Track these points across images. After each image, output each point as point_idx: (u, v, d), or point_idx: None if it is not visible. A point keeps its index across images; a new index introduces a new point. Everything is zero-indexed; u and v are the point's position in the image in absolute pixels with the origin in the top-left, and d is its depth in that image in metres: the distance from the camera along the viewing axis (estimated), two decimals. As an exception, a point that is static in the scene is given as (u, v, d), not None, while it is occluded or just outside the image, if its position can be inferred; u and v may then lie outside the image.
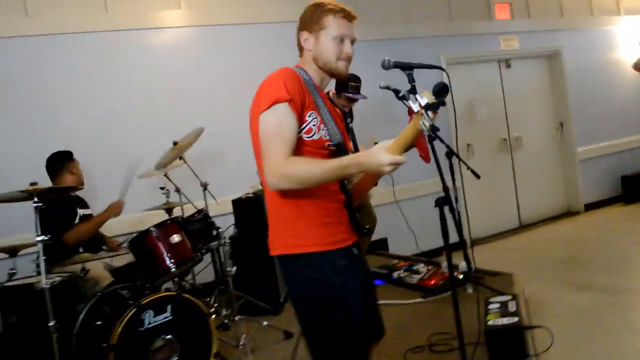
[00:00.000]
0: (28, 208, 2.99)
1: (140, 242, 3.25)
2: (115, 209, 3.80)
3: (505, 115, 7.13)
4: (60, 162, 3.91)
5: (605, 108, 7.72)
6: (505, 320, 3.03)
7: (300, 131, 1.90)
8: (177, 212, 4.21)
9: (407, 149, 1.90)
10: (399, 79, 2.06)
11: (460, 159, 4.37)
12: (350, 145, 2.11)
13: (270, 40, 5.34)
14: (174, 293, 3.06)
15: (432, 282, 4.39)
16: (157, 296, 2.97)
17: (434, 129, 1.89)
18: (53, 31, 4.57)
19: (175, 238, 3.29)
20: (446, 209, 2.08)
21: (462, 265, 4.32)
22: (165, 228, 3.30)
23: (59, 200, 3.62)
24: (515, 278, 4.42)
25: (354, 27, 2.06)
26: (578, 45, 7.53)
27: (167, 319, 2.99)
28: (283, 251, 1.93)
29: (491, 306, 3.30)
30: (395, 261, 5.16)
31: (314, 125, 1.93)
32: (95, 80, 4.72)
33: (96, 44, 4.75)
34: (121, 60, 4.83)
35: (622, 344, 3.46)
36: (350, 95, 4.26)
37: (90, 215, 3.89)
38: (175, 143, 4.02)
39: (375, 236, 5.60)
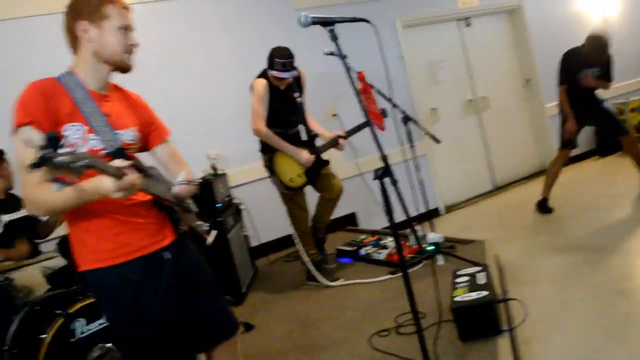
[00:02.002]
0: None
1: (68, 242, 2.92)
2: None
3: (469, 76, 6.86)
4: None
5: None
6: (474, 295, 2.77)
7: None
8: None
9: None
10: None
11: (417, 124, 4.13)
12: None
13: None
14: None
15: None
16: (87, 302, 2.66)
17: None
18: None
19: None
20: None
21: (432, 235, 4.09)
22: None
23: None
24: (488, 245, 4.19)
25: None
26: (539, -2, 7.25)
27: (102, 325, 2.69)
28: (81, 267, 1.84)
29: (459, 279, 3.04)
30: (363, 237, 4.90)
31: (76, 138, 1.73)
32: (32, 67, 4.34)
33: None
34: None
35: (602, 307, 3.24)
36: (275, 73, 3.96)
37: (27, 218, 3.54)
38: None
39: (342, 211, 5.35)
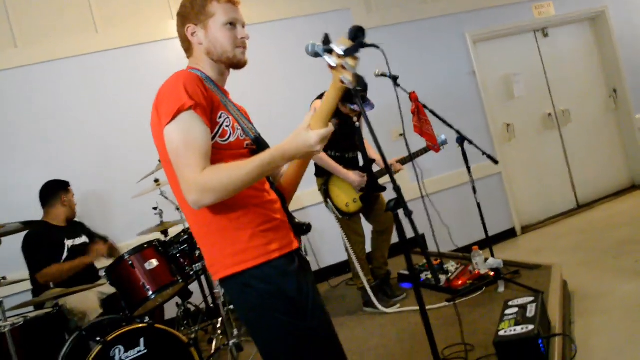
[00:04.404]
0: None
1: (115, 270, 3.05)
2: (98, 251, 3.65)
3: (548, 89, 6.52)
4: (53, 192, 3.82)
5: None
6: (519, 329, 2.59)
7: (214, 136, 1.66)
8: (174, 231, 3.97)
9: (331, 115, 1.68)
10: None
11: (472, 143, 3.95)
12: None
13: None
14: (145, 324, 2.82)
15: (460, 282, 3.97)
16: (125, 330, 2.75)
17: (358, 79, 1.60)
18: (43, 59, 4.51)
19: (153, 263, 3.06)
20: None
21: (491, 261, 3.89)
22: (140, 253, 3.08)
23: (44, 233, 3.51)
24: (556, 270, 3.91)
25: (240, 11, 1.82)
26: (624, 2, 6.79)
27: (140, 352, 2.76)
28: (225, 273, 1.70)
29: (508, 311, 2.86)
30: (426, 260, 4.74)
31: (227, 126, 1.70)
32: (92, 105, 4.63)
33: (88, 65, 4.66)
34: (111, 81, 4.73)
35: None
36: (355, 108, 3.86)
37: (86, 244, 3.75)
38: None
39: (408, 234, 5.21)
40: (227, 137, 1.68)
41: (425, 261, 4.75)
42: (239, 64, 1.81)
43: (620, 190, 6.80)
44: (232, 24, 1.77)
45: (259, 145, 1.76)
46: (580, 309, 3.57)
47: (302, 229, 1.90)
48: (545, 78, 6.52)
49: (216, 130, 1.66)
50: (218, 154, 1.65)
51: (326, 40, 1.64)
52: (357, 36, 1.60)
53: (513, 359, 2.52)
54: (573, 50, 6.74)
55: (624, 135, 6.86)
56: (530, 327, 2.58)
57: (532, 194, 6.33)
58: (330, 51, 1.60)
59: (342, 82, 1.57)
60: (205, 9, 1.76)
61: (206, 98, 1.64)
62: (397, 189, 1.92)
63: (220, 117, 1.69)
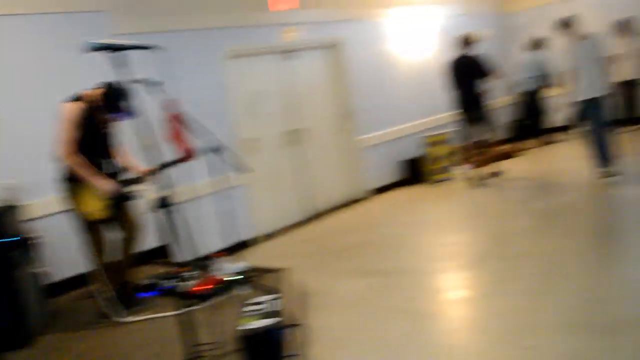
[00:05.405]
0: None
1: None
2: None
3: (291, 108, 7.12)
4: None
5: (385, 97, 8.15)
6: (263, 322, 2.86)
7: None
8: None
9: None
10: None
11: (226, 154, 4.17)
12: None
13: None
14: None
15: (203, 287, 4.13)
16: None
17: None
18: None
19: None
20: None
21: (236, 265, 4.15)
22: None
23: None
24: (292, 273, 4.34)
25: None
26: (357, 37, 7.80)
27: None
28: None
29: (248, 308, 3.12)
30: (169, 269, 4.80)
31: None
32: None
33: None
34: None
35: (390, 327, 3.53)
36: (115, 115, 3.89)
37: None
38: None
39: (150, 245, 5.20)
40: None
41: (169, 269, 4.82)
42: None
43: (347, 202, 7.72)
44: None
45: None
46: (313, 304, 4.04)
47: None
48: (290, 97, 7.11)
49: None
50: None
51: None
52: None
53: (257, 350, 2.76)
54: (315, 74, 7.48)
55: (351, 153, 7.81)
56: (271, 320, 2.86)
57: (274, 205, 6.82)
58: None
59: None
60: None
61: None
62: (164, 187, 1.99)
63: None
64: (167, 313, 3.90)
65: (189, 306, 3.87)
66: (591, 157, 6.24)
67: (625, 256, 4.20)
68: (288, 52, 7.11)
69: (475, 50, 7.49)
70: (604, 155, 6.12)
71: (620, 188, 5.89)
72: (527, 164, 8.40)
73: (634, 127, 9.17)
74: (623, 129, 9.02)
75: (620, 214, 5.32)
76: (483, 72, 7.33)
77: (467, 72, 7.37)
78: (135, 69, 3.29)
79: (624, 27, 8.91)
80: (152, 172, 4.10)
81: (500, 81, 8.13)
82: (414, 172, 8.24)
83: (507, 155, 8.75)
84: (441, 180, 8.05)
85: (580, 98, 6.19)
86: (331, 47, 7.62)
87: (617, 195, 5.78)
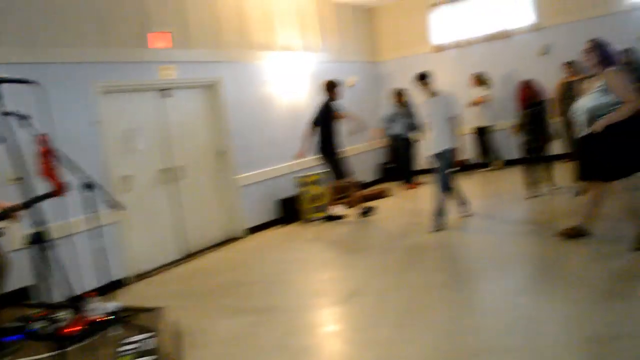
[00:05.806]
0: None
1: None
2: None
3: (167, 145, 7.05)
4: None
5: (261, 137, 8.34)
6: (137, 362, 2.82)
7: None
8: None
9: None
10: None
11: (99, 191, 4.07)
12: None
13: None
14: None
15: (74, 329, 3.94)
16: None
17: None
18: None
19: None
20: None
21: (106, 305, 4.03)
22: None
23: None
24: (167, 312, 4.27)
25: None
26: (236, 77, 7.96)
27: None
28: None
29: (124, 347, 3.06)
30: (37, 310, 4.52)
31: None
32: None
33: None
34: None
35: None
36: None
37: None
38: None
39: (14, 285, 4.87)
40: None
41: (36, 311, 4.54)
42: None
43: (222, 241, 7.70)
44: None
45: None
46: (189, 342, 4.01)
47: None
48: (166, 135, 7.05)
49: None
50: None
51: None
52: None
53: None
54: (192, 112, 7.49)
55: (227, 192, 7.84)
56: (152, 357, 2.83)
57: (148, 244, 6.64)
58: None
59: None
60: None
61: None
62: (38, 223, 1.96)
63: None
64: (37, 356, 3.69)
65: (61, 348, 3.71)
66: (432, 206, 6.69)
67: (483, 290, 4.63)
68: (165, 89, 7.09)
69: (339, 96, 7.98)
70: (439, 208, 6.57)
71: (471, 230, 6.48)
72: (395, 204, 8.93)
73: (487, 169, 10.21)
74: (477, 171, 10.01)
75: (474, 252, 5.83)
76: (332, 117, 7.85)
77: (324, 117, 7.89)
78: (5, 101, 3.22)
79: (478, 80, 9.99)
80: (14, 209, 3.90)
81: (356, 126, 8.59)
82: (290, 211, 8.43)
83: (377, 196, 9.30)
84: (315, 219, 8.30)
85: (431, 151, 6.78)
86: (209, 87, 7.70)
87: (470, 235, 6.35)
